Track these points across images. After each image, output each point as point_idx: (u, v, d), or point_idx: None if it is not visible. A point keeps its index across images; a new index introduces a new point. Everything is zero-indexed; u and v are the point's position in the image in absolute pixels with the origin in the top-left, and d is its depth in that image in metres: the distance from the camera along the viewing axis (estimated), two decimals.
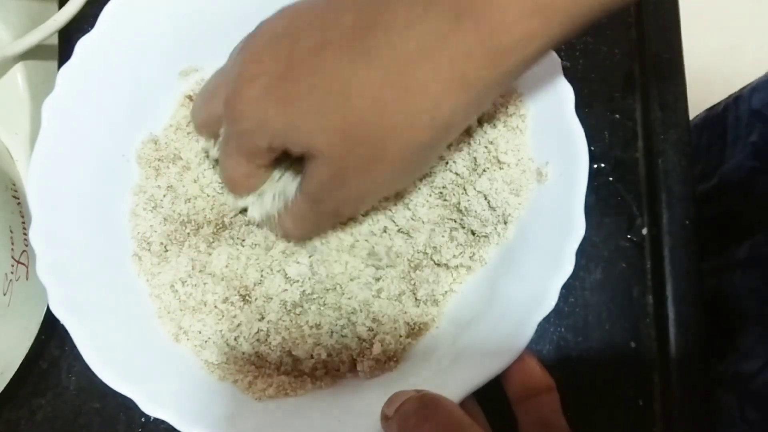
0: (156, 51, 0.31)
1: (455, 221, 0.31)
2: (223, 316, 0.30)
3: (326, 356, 0.30)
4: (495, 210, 0.31)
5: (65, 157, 0.29)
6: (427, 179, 0.32)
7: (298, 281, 0.30)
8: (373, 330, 0.30)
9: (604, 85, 0.37)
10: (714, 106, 0.49)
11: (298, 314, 0.30)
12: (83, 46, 0.29)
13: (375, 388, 0.29)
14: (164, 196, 0.32)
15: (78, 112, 0.30)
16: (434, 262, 0.31)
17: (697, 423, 0.32)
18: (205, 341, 0.30)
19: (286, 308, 0.30)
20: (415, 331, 0.31)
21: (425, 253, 0.31)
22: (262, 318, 0.30)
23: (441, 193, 0.32)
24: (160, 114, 0.33)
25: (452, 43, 0.22)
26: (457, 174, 0.31)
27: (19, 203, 0.32)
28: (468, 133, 0.31)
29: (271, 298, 0.30)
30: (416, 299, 0.31)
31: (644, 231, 0.35)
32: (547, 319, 0.28)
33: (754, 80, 0.46)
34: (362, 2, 0.23)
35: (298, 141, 0.25)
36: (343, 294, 0.31)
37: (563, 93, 0.29)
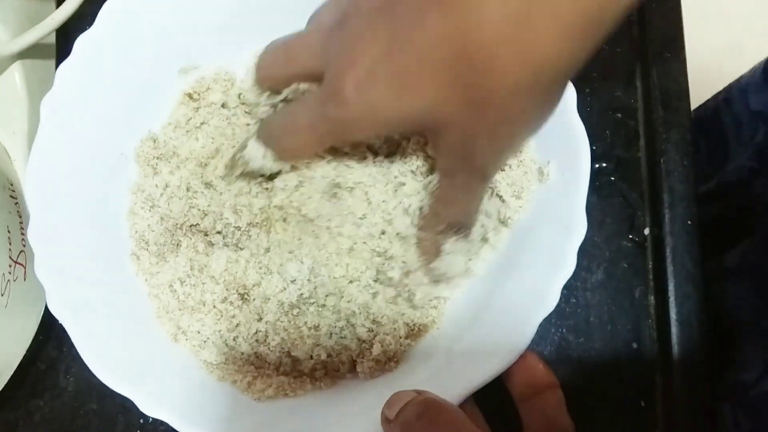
0: (155, 48, 0.31)
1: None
2: (221, 316, 0.30)
3: (326, 357, 0.30)
4: (495, 213, 0.30)
5: (63, 156, 0.29)
6: (428, 184, 0.31)
7: (296, 283, 0.30)
8: (373, 331, 0.30)
9: (606, 84, 0.36)
10: (701, 106, 0.49)
11: (296, 315, 0.30)
12: (82, 43, 0.29)
13: (375, 388, 0.29)
14: (161, 194, 0.32)
15: (76, 110, 0.29)
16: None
17: (699, 424, 0.32)
18: (204, 341, 0.30)
19: (283, 309, 0.30)
20: (415, 332, 0.31)
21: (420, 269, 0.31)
22: (260, 318, 0.30)
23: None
24: (159, 112, 0.33)
25: None
26: None
27: (16, 203, 0.32)
28: None
29: (269, 299, 0.30)
30: (413, 303, 0.31)
31: (646, 231, 0.35)
32: (548, 319, 0.27)
33: (737, 79, 0.46)
34: None
35: (417, 122, 0.24)
36: (342, 297, 0.30)
37: (566, 92, 0.28)
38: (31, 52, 0.33)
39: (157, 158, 0.32)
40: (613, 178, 0.35)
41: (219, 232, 0.31)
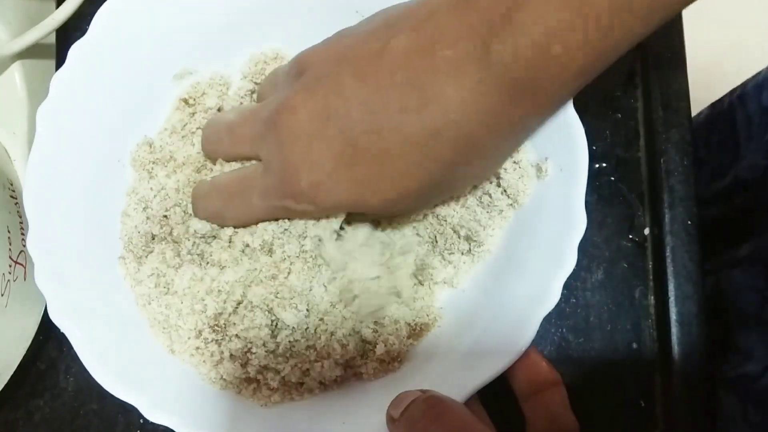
0: (150, 55, 0.31)
1: (451, 231, 0.31)
2: (207, 343, 0.30)
3: (333, 365, 0.29)
4: (489, 220, 0.31)
5: (61, 164, 0.29)
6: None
7: (287, 330, 0.29)
8: (377, 332, 0.30)
9: (606, 83, 0.36)
10: (716, 103, 0.49)
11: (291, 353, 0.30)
12: (76, 51, 0.29)
13: (379, 389, 0.29)
14: (154, 196, 0.31)
15: (73, 118, 0.29)
16: (429, 275, 0.31)
17: (699, 424, 0.32)
18: (199, 363, 0.30)
19: (269, 348, 0.30)
20: (417, 331, 0.31)
21: (420, 269, 0.31)
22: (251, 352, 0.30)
23: (432, 208, 0.31)
24: (155, 117, 0.33)
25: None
26: None
27: (16, 203, 0.32)
28: None
29: (252, 342, 0.30)
30: (413, 304, 0.31)
31: (646, 231, 0.35)
32: (548, 319, 0.27)
33: (754, 75, 0.46)
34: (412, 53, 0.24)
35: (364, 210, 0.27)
36: (334, 335, 0.30)
37: None
38: (31, 52, 0.33)
39: (153, 163, 0.32)
40: (613, 178, 0.35)
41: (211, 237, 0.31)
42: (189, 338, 0.29)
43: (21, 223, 0.32)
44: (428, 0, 0.25)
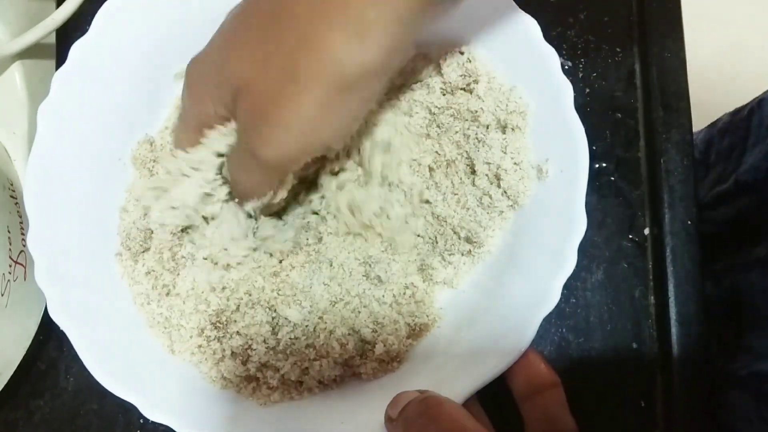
0: (151, 53, 0.31)
1: (451, 232, 0.31)
2: (209, 341, 0.30)
3: (332, 365, 0.29)
4: (489, 221, 0.31)
5: (62, 164, 0.29)
6: (422, 194, 0.32)
7: (288, 327, 0.30)
8: (376, 332, 0.30)
9: (606, 84, 0.36)
10: (739, 109, 0.49)
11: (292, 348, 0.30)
12: (77, 49, 0.29)
13: (378, 389, 0.29)
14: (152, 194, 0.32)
15: (73, 117, 0.29)
16: (428, 275, 0.31)
17: (699, 424, 0.32)
18: (200, 362, 0.30)
19: (270, 345, 0.30)
20: (416, 331, 0.31)
21: (420, 269, 0.31)
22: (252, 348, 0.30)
23: (433, 208, 0.31)
24: (156, 116, 0.33)
25: None
26: (452, 183, 0.31)
27: (16, 203, 0.32)
28: (466, 137, 0.31)
29: (253, 338, 0.30)
30: (415, 305, 0.31)
31: (646, 231, 0.35)
32: (548, 319, 0.27)
33: None
34: None
35: (224, 77, 0.25)
36: (333, 333, 0.30)
37: (561, 88, 0.28)
38: (31, 52, 0.33)
39: (154, 161, 0.32)
40: (613, 178, 0.35)
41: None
42: (191, 336, 0.29)
43: (21, 223, 0.32)
44: None
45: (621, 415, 0.33)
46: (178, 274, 0.30)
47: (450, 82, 0.31)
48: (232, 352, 0.29)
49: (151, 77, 0.32)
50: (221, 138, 0.27)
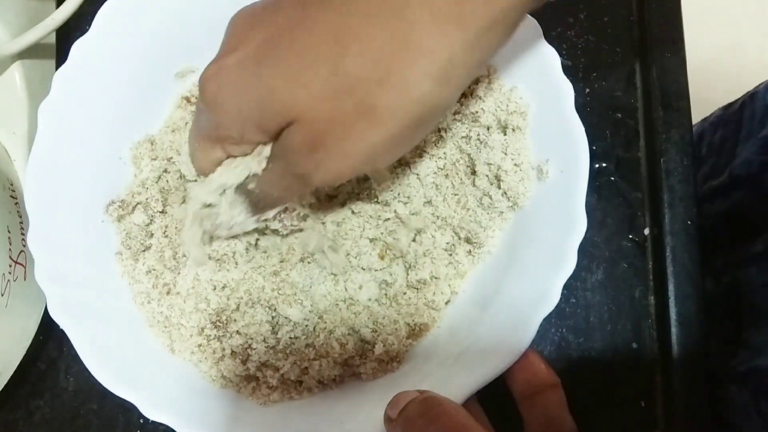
0: (151, 53, 0.31)
1: (452, 233, 0.31)
2: (209, 340, 0.30)
3: (332, 364, 0.29)
4: (490, 222, 0.31)
5: (62, 162, 0.29)
6: (424, 195, 0.32)
7: (288, 326, 0.30)
8: (376, 332, 0.30)
9: (606, 84, 0.36)
10: (731, 103, 0.49)
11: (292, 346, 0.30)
12: (78, 48, 0.29)
13: (378, 389, 0.29)
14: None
15: (74, 116, 0.29)
16: (430, 275, 0.31)
17: (699, 424, 0.32)
18: (200, 361, 0.30)
19: (269, 344, 0.30)
20: (416, 331, 0.31)
21: (420, 269, 0.31)
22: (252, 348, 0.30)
23: (434, 208, 0.31)
24: (157, 116, 0.33)
25: None
26: (453, 184, 0.31)
27: (16, 203, 0.32)
28: (467, 138, 0.31)
29: (253, 337, 0.30)
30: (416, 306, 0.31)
31: (646, 231, 0.35)
32: (548, 319, 0.27)
33: None
34: None
35: (275, 108, 0.23)
36: (333, 333, 0.30)
37: (562, 89, 0.28)
38: (31, 52, 0.33)
39: (154, 160, 0.32)
40: (613, 178, 0.35)
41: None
42: (191, 336, 0.29)
43: (21, 223, 0.32)
44: None
45: (621, 415, 0.33)
46: (179, 273, 0.30)
47: None
48: (232, 352, 0.29)
49: (151, 77, 0.32)
50: (248, 162, 0.26)
